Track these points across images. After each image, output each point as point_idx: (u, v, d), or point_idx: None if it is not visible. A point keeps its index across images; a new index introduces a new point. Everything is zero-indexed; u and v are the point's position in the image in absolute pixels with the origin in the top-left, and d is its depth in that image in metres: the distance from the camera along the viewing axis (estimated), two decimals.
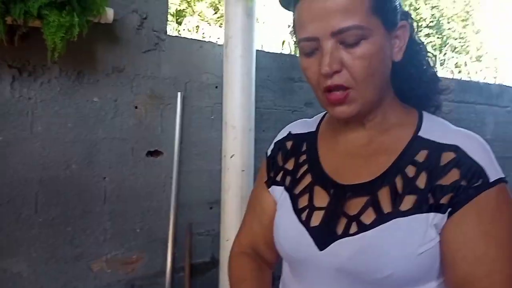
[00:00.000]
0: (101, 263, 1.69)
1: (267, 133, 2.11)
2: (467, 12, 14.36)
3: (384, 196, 0.64)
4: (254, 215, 0.84)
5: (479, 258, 0.59)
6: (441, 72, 4.98)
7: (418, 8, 12.26)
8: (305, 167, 0.76)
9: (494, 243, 0.59)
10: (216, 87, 1.93)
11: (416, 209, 0.61)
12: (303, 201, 0.72)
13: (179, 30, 4.67)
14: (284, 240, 0.72)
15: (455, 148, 0.63)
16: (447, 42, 12.51)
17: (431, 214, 0.61)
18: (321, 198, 0.70)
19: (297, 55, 3.26)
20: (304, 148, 0.79)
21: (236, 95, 1.77)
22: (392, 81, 0.70)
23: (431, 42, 10.29)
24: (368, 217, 0.64)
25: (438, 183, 0.61)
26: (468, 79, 4.97)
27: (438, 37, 12.49)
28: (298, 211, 0.71)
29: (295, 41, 0.73)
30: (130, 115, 1.72)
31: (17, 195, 1.52)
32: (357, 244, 0.63)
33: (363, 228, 0.63)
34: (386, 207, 0.63)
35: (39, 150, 1.55)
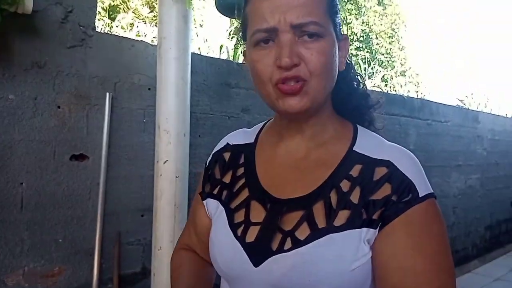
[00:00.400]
0: (17, 276, 1.53)
1: (203, 138, 2.05)
2: (393, 29, 15.42)
3: (319, 210, 0.64)
4: (191, 225, 0.84)
5: (407, 270, 0.59)
6: (369, 85, 5.26)
7: (350, 23, 12.93)
8: (242, 181, 0.74)
9: (423, 255, 0.60)
10: (149, 89, 1.85)
11: (349, 224, 0.62)
12: (239, 216, 0.70)
13: (111, 27, 4.46)
14: (219, 256, 0.70)
15: (387, 164, 0.64)
16: (376, 56, 13.33)
17: (364, 229, 0.62)
18: (258, 213, 0.69)
19: (236, 61, 3.25)
20: (241, 160, 0.77)
21: (170, 98, 1.70)
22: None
23: (361, 55, 10.88)
24: (303, 232, 0.63)
25: (371, 198, 0.62)
26: (394, 92, 5.30)
27: (367, 51, 13.25)
28: (233, 226, 0.70)
29: (239, 39, 0.72)
30: (52, 115, 1.58)
31: None
32: (291, 261, 0.62)
33: (297, 244, 0.62)
34: (321, 222, 0.63)
35: None
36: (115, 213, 1.76)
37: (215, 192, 0.77)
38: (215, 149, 0.83)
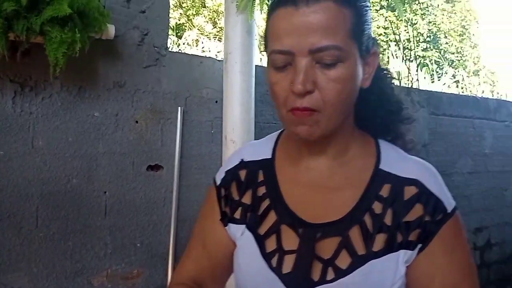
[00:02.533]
0: (102, 278, 1.68)
1: None
2: (464, 27, 14.54)
3: (355, 236, 0.63)
4: (202, 249, 0.76)
5: (448, 286, 0.63)
6: (439, 86, 5.02)
7: (416, 23, 12.41)
8: (267, 202, 0.69)
9: (459, 269, 0.64)
10: (216, 101, 1.95)
11: (387, 249, 0.62)
12: (271, 244, 0.66)
13: (178, 44, 4.72)
14: (252, 286, 0.67)
15: (415, 182, 0.65)
16: (445, 56, 12.64)
17: (402, 252, 0.62)
18: (290, 239, 0.65)
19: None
20: (261, 178, 0.72)
21: (235, 109, 1.78)
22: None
23: (429, 56, 10.40)
24: (344, 260, 0.62)
25: (405, 220, 0.63)
26: (466, 93, 5.00)
27: (436, 51, 12.62)
28: (267, 256, 0.66)
29: (263, 50, 0.68)
30: (131, 129, 1.73)
31: (18, 210, 1.52)
32: None
33: (340, 273, 0.61)
34: (360, 249, 0.62)
35: (40, 164, 1.55)
36: (187, 219, 1.87)
37: (236, 215, 0.72)
38: (227, 167, 0.76)
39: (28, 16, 1.33)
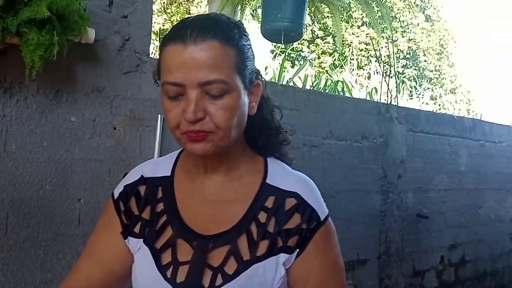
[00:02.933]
0: None
1: None
2: (442, 45, 14.98)
3: (243, 244, 0.72)
4: (94, 262, 0.78)
5: (322, 284, 0.74)
6: (417, 104, 5.13)
7: (396, 40, 12.72)
8: (164, 218, 0.75)
9: (329, 269, 0.76)
10: None
11: (269, 253, 0.72)
12: (167, 257, 0.72)
13: None
14: None
15: (295, 195, 0.75)
16: (423, 73, 12.97)
17: (281, 255, 0.72)
18: (185, 252, 0.72)
19: (280, 82, 3.29)
20: (160, 194, 0.78)
21: None
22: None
23: (408, 73, 10.65)
24: (231, 267, 0.70)
25: (285, 227, 0.73)
26: (443, 111, 5.12)
27: (414, 69, 12.93)
28: (162, 268, 0.72)
29: (156, 79, 0.76)
30: (108, 136, 1.70)
31: None
32: None
33: (227, 278, 0.69)
34: (245, 255, 0.71)
35: (12, 169, 1.50)
36: None
37: (136, 230, 0.77)
38: (127, 181, 0.81)
39: (3, 16, 1.29)
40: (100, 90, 1.67)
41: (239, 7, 1.72)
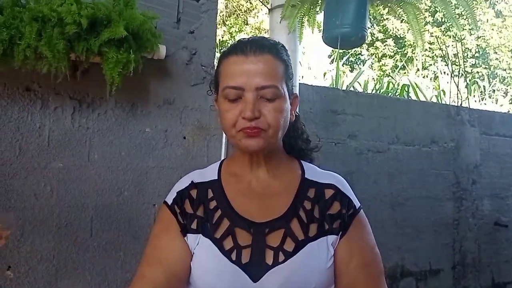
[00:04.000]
0: None
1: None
2: None
3: (295, 226, 0.82)
4: (157, 266, 0.84)
5: (361, 267, 0.84)
6: (491, 105, 4.81)
7: (463, 39, 12.01)
8: (219, 212, 0.85)
9: (369, 252, 0.87)
10: None
11: (319, 234, 0.83)
12: (228, 243, 0.81)
13: None
14: (218, 281, 0.79)
15: (332, 186, 0.88)
16: (495, 72, 12.10)
17: (329, 236, 0.83)
18: (244, 237, 0.81)
19: (341, 87, 3.26)
20: (210, 194, 0.88)
21: None
22: None
23: (477, 72, 9.99)
24: (289, 245, 0.80)
25: (328, 213, 0.85)
26: None
27: (484, 67, 12.10)
28: (226, 253, 0.80)
29: (211, 87, 0.92)
30: (179, 145, 1.80)
31: (74, 220, 1.60)
32: (288, 269, 0.78)
33: (288, 255, 0.79)
34: (300, 235, 0.81)
35: (95, 177, 1.64)
36: None
37: (193, 226, 0.85)
38: (179, 188, 0.91)
39: (87, 38, 1.42)
40: (170, 102, 1.78)
41: (298, 17, 1.75)
